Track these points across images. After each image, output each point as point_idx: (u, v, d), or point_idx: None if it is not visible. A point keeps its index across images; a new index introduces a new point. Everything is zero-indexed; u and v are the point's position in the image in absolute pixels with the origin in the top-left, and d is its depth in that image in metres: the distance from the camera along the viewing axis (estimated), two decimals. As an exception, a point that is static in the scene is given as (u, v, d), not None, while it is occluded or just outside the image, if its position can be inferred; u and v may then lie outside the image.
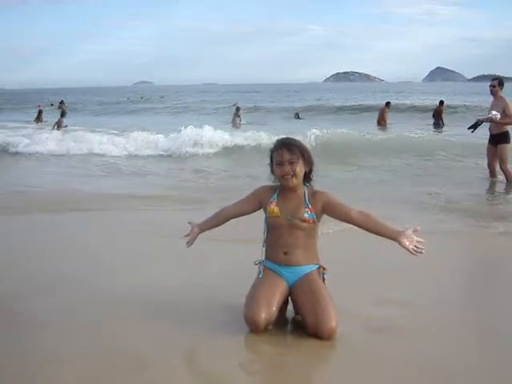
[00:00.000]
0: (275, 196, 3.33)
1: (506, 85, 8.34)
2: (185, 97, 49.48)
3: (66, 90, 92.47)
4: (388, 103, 21.34)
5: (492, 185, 8.34)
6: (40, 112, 26.21)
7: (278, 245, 3.33)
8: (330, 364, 3.01)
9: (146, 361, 2.88)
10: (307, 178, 3.33)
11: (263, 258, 3.42)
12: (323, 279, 3.34)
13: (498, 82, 8.23)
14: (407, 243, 3.06)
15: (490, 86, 8.27)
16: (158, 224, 5.96)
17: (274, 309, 3.16)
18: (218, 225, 3.53)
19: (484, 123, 8.45)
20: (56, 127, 20.33)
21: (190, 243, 3.47)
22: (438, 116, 20.47)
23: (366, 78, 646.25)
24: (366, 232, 3.28)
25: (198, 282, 4.09)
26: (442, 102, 20.93)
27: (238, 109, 22.88)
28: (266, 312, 3.11)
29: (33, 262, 4.73)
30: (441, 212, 6.47)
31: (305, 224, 3.26)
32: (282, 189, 3.33)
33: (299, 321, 3.26)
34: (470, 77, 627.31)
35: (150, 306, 3.63)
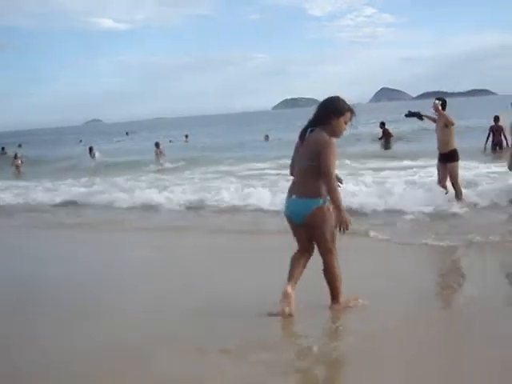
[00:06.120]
0: None
1: (448, 100, 8.80)
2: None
3: (14, 133, 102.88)
4: None
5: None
6: (16, 156, 23.23)
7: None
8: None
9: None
10: None
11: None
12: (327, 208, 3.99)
13: (441, 103, 8.44)
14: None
15: (434, 106, 8.44)
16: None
17: (309, 244, 4.21)
18: None
19: (423, 117, 9.00)
20: None
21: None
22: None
23: (314, 102, 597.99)
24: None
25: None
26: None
27: (157, 144, 21.01)
28: (309, 250, 4.25)
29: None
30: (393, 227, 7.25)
31: None
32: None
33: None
34: (414, 95, 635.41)
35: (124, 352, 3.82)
